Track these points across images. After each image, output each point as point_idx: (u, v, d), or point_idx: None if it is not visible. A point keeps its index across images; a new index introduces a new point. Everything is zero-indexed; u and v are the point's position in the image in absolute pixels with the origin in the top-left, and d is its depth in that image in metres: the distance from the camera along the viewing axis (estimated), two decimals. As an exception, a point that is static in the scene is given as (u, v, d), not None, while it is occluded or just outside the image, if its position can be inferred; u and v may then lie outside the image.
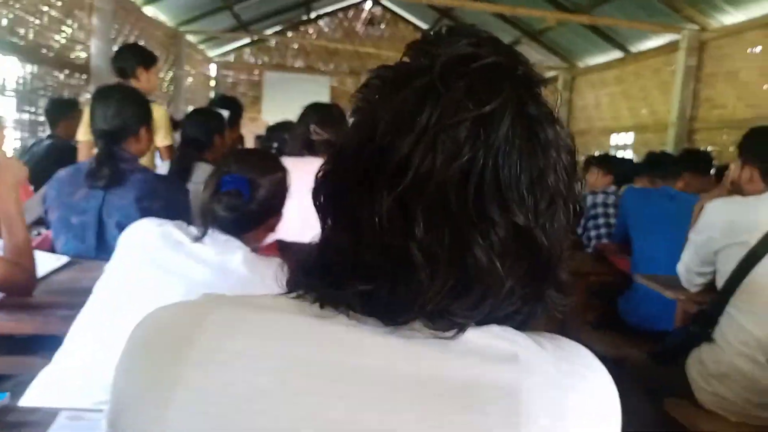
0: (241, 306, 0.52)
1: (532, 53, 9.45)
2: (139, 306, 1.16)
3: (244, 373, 0.47)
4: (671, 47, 6.63)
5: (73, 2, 5.22)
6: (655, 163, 3.57)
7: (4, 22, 4.18)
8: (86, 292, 1.68)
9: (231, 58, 11.61)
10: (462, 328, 0.48)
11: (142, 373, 0.51)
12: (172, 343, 0.50)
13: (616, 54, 7.89)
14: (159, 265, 1.24)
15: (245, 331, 0.49)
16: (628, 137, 7.90)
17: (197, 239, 1.24)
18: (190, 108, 9.40)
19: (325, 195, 0.54)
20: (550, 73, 9.67)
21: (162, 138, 3.11)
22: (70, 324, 1.55)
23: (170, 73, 8.42)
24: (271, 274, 1.24)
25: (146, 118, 2.12)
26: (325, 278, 0.51)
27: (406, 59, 0.53)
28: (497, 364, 0.48)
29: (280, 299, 0.53)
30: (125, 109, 2.03)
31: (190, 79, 9.41)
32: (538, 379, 0.48)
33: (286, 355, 0.48)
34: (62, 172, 2.08)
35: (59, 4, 4.98)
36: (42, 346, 1.87)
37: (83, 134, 3.04)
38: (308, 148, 2.31)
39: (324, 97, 10.99)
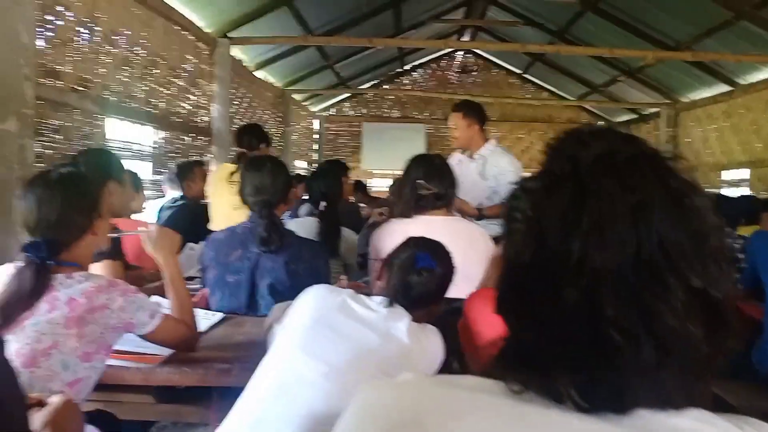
0: (452, 387, 0.57)
1: (631, 91, 9.22)
2: (311, 363, 1.29)
3: None
4: (785, 77, 6.32)
5: (196, 72, 5.70)
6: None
7: (142, 94, 4.65)
8: (239, 347, 1.82)
9: (332, 111, 12.10)
10: (678, 404, 0.52)
11: None
12: (403, 425, 0.54)
13: (723, 87, 7.57)
14: (331, 327, 1.35)
15: (467, 413, 0.53)
16: (742, 173, 7.52)
17: (387, 305, 1.37)
18: (298, 162, 9.90)
19: (509, 300, 0.59)
20: (651, 110, 9.38)
21: None
22: (225, 377, 1.66)
23: (280, 130, 8.92)
24: (430, 347, 1.36)
25: (291, 184, 2.26)
26: (526, 368, 0.54)
27: (546, 164, 0.58)
28: None
29: (484, 382, 0.57)
30: (278, 179, 2.17)
31: (295, 134, 9.91)
32: None
33: None
34: (219, 234, 2.21)
35: (185, 75, 5.45)
36: (195, 397, 2.02)
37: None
38: (416, 207, 2.24)
39: (420, 144, 11.21)
